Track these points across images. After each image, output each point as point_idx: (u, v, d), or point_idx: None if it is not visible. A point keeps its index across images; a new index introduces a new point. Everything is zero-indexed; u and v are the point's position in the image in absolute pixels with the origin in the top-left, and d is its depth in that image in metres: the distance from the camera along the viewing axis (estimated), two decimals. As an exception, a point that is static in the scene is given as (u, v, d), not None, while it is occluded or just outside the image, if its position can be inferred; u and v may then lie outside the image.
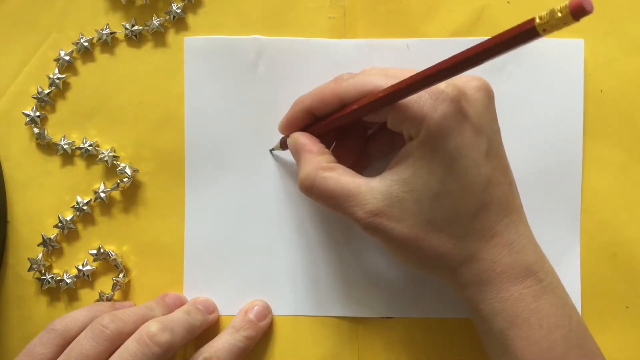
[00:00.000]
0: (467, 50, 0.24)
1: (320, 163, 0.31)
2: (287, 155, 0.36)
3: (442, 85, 0.28)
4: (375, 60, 0.36)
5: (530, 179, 0.35)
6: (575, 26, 0.36)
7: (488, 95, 0.29)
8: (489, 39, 0.23)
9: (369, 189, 0.29)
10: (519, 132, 0.36)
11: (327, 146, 0.33)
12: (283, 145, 0.35)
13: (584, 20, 0.36)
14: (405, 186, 0.29)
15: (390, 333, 0.36)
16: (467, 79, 0.29)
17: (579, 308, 0.35)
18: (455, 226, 0.28)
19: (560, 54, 0.36)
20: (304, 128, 0.33)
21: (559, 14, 0.21)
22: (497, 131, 0.30)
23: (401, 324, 0.36)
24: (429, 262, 0.30)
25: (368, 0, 0.37)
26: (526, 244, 0.29)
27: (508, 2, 0.37)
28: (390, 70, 0.31)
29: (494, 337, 0.29)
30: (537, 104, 0.36)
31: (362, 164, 0.35)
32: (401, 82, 0.27)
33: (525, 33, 0.22)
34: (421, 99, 0.28)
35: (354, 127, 0.34)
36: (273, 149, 0.36)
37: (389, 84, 0.28)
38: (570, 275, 0.36)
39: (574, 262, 0.36)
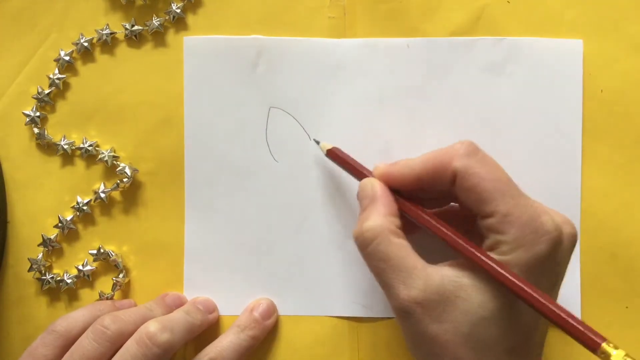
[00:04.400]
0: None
1: (391, 224, 0.29)
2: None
3: (550, 226, 0.27)
4: (375, 60, 0.36)
5: (530, 178, 0.35)
6: (575, 26, 0.36)
7: (573, 244, 0.29)
8: (565, 318, 0.26)
9: (425, 274, 0.28)
10: (519, 132, 0.36)
11: None
12: (332, 157, 0.34)
13: (584, 20, 0.36)
14: (462, 292, 0.27)
15: (390, 333, 0.36)
16: (562, 221, 0.28)
17: (578, 308, 0.36)
18: (486, 352, 0.27)
19: (559, 54, 0.36)
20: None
21: None
22: (562, 277, 0.29)
23: (401, 323, 0.36)
24: None
25: (368, 0, 0.37)
26: None
27: (508, 2, 0.37)
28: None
29: None
30: (537, 104, 0.36)
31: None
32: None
33: (586, 344, 0.25)
34: (533, 225, 0.27)
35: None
36: (319, 142, 0.35)
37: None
38: (570, 275, 0.35)
39: (574, 262, 0.36)
